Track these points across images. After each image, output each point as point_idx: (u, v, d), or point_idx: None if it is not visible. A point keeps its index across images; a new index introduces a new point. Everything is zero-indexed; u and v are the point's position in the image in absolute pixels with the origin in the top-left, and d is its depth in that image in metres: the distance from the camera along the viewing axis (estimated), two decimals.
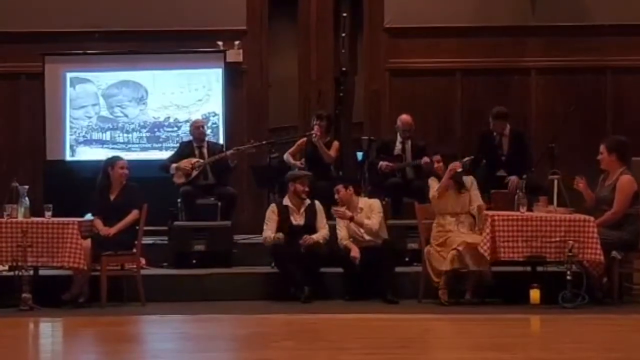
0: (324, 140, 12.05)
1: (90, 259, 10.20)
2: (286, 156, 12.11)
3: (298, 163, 11.97)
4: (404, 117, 12.06)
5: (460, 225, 10.38)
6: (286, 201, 10.84)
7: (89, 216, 10.69)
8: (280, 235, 10.58)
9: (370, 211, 10.72)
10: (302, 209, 10.81)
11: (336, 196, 10.84)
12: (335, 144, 12.15)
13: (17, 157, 13.29)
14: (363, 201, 10.84)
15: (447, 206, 10.42)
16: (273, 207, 10.89)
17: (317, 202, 10.87)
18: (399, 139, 12.07)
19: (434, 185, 10.53)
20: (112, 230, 10.37)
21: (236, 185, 12.30)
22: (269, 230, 10.71)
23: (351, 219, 10.62)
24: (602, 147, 10.25)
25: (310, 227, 10.74)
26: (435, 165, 10.69)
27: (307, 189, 10.80)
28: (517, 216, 10.13)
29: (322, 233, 10.71)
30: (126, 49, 13.21)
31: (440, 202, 10.42)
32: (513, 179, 11.43)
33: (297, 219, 10.78)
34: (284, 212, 10.78)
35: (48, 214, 10.40)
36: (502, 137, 11.91)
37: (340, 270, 10.63)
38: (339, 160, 12.23)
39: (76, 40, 13.23)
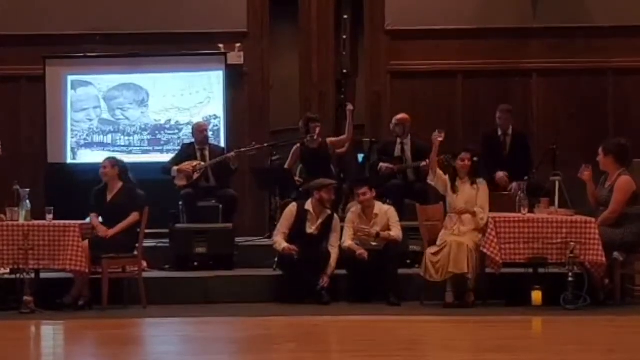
0: (317, 143, 12.02)
1: (88, 260, 10.19)
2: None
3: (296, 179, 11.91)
4: (398, 115, 12.09)
5: (461, 225, 10.33)
6: (308, 206, 10.71)
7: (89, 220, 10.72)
8: (294, 248, 10.49)
9: (387, 219, 10.64)
10: (321, 220, 10.68)
11: (358, 199, 10.77)
12: (331, 140, 12.12)
13: (18, 160, 13.26)
14: (378, 207, 10.76)
15: (460, 202, 10.38)
16: (293, 207, 10.77)
17: (335, 218, 10.74)
18: (398, 140, 12.06)
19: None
20: (111, 232, 10.37)
21: (237, 188, 12.28)
22: (282, 234, 10.63)
23: (377, 235, 10.55)
24: (600, 149, 10.28)
25: (323, 239, 10.65)
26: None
27: (333, 197, 10.70)
28: (518, 218, 10.14)
29: (334, 251, 10.59)
30: (127, 52, 13.20)
31: (455, 198, 10.38)
32: (514, 185, 11.41)
33: (312, 228, 10.67)
34: (301, 216, 10.67)
35: (49, 216, 10.41)
36: (505, 137, 11.93)
37: (343, 272, 10.62)
38: (342, 158, 12.24)
39: (77, 43, 13.21)
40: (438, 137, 10.49)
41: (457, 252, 10.01)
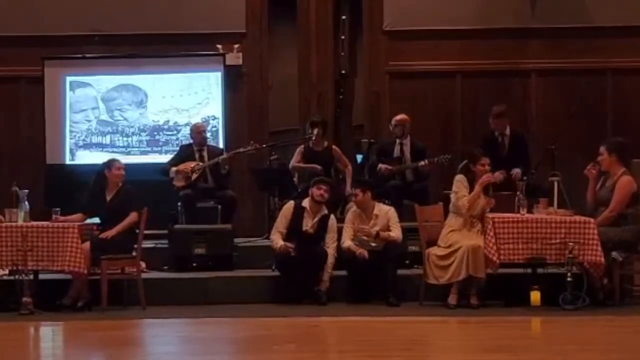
0: (322, 145, 12.02)
1: (89, 262, 10.19)
2: (292, 166, 12.09)
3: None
4: (398, 116, 12.10)
5: (471, 227, 10.33)
6: (305, 203, 10.74)
7: (90, 220, 10.70)
8: (291, 245, 10.52)
9: (387, 219, 10.62)
10: (317, 217, 10.69)
11: (353, 200, 10.78)
12: (336, 149, 12.13)
13: (17, 161, 13.28)
14: (378, 207, 10.73)
15: (472, 209, 10.35)
16: (291, 204, 10.80)
17: (332, 218, 10.75)
18: (397, 140, 12.07)
19: (461, 188, 10.42)
20: (111, 233, 10.36)
21: (236, 188, 12.28)
22: (279, 233, 10.65)
23: (377, 235, 10.53)
24: (602, 149, 10.27)
25: (319, 238, 10.66)
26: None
27: (322, 192, 10.66)
28: (517, 218, 10.13)
29: (330, 252, 10.60)
30: (126, 53, 13.20)
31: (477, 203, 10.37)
32: (517, 171, 11.40)
33: (309, 225, 10.68)
34: (298, 213, 10.69)
35: (55, 217, 10.41)
36: (503, 137, 11.92)
37: (342, 272, 10.61)
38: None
39: (76, 44, 13.22)
40: (490, 178, 10.41)
41: (475, 256, 9.99)
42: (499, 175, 10.70)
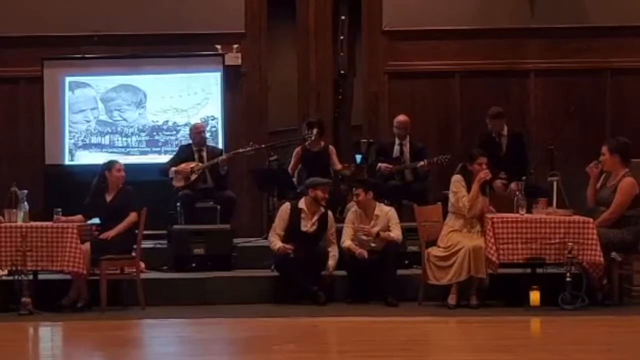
0: (319, 146, 12.02)
1: (89, 262, 10.20)
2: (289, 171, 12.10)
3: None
4: (400, 117, 12.11)
5: (471, 227, 10.33)
6: (302, 204, 10.74)
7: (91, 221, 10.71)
8: (290, 247, 10.52)
9: (387, 220, 10.63)
10: (316, 217, 10.71)
11: (354, 200, 10.79)
12: (332, 149, 12.13)
13: (16, 162, 13.27)
14: (379, 208, 10.74)
15: (473, 209, 10.35)
16: (287, 206, 10.80)
17: (330, 215, 10.78)
18: (397, 140, 12.08)
19: (460, 188, 10.40)
20: (112, 233, 10.37)
21: (235, 189, 12.28)
22: (277, 235, 10.65)
23: (377, 235, 10.54)
24: (604, 149, 10.25)
25: (319, 238, 10.69)
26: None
27: (326, 196, 10.72)
28: (516, 218, 10.13)
29: (333, 248, 10.65)
30: (125, 53, 13.20)
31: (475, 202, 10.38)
32: (513, 185, 11.39)
33: (308, 226, 10.69)
34: (295, 215, 10.70)
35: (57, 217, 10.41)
36: (500, 137, 11.92)
37: (341, 273, 10.62)
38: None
39: (75, 44, 13.22)
40: (487, 175, 10.40)
41: (476, 256, 9.99)
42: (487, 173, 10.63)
